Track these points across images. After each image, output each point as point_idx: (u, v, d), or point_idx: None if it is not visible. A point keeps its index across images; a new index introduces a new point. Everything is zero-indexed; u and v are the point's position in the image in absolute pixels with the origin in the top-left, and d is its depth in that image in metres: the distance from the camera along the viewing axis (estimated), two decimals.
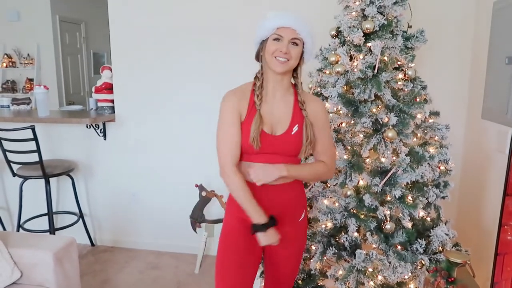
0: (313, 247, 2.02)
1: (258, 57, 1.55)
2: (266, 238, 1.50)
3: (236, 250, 1.61)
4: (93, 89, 3.32)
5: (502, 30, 2.19)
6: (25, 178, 3.04)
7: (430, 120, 2.13)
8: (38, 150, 2.85)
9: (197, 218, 2.98)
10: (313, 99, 1.64)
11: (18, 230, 3.12)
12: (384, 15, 1.99)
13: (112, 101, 3.26)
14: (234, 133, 1.50)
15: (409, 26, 2.12)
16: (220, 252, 1.65)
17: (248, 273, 1.64)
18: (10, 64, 5.63)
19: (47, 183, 3.01)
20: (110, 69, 3.23)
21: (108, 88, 3.24)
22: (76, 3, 6.03)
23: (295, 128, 1.53)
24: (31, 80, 5.62)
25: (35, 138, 2.81)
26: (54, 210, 3.31)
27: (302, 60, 1.55)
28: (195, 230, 3.02)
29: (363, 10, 2.01)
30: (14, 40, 5.62)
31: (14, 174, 3.02)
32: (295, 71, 1.57)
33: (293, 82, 1.61)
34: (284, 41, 1.46)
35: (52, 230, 3.03)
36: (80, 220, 3.31)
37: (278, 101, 1.55)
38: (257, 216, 1.49)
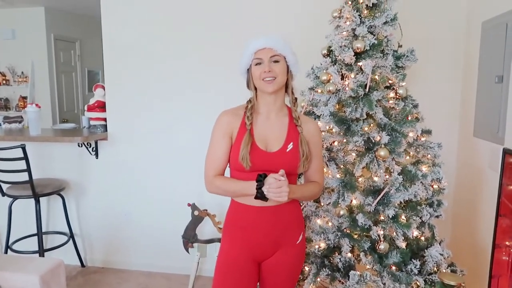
0: (307, 268, 1.99)
1: (249, 85, 1.61)
2: (270, 193, 1.43)
3: (236, 280, 1.58)
4: (85, 107, 3.30)
5: (491, 49, 2.22)
6: (15, 198, 2.99)
7: (422, 139, 2.13)
8: (28, 169, 2.81)
9: (189, 238, 2.93)
10: (309, 119, 1.69)
11: (6, 251, 3.05)
12: (374, 35, 2.02)
13: (105, 119, 3.25)
14: (218, 149, 1.56)
15: (400, 46, 2.14)
16: (219, 282, 1.61)
17: None
18: (4, 82, 5.63)
19: (37, 202, 2.97)
20: (103, 87, 3.22)
21: (101, 106, 3.23)
22: (72, 22, 6.07)
23: (290, 146, 1.55)
24: (24, 97, 5.61)
25: (25, 157, 2.78)
26: (44, 230, 3.25)
27: (290, 74, 1.60)
28: (187, 250, 2.97)
29: (353, 29, 2.03)
30: (9, 58, 5.63)
31: (3, 194, 2.97)
32: (287, 89, 1.61)
33: (287, 104, 1.65)
34: (265, 61, 1.52)
35: (41, 251, 2.97)
36: (71, 240, 3.25)
37: (272, 122, 1.59)
38: (252, 188, 1.46)
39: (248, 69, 1.59)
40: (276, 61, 1.53)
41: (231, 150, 1.56)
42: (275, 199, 1.43)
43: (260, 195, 1.44)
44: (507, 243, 1.63)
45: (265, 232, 1.55)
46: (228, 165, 1.61)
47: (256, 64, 1.54)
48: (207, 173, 1.59)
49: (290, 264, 1.63)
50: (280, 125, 1.59)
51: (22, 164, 2.79)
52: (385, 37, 2.05)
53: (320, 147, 1.68)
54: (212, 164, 1.58)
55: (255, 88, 1.59)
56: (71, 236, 3.25)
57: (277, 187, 1.41)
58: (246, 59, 1.56)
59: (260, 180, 1.44)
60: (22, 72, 5.64)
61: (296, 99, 1.64)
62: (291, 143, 1.55)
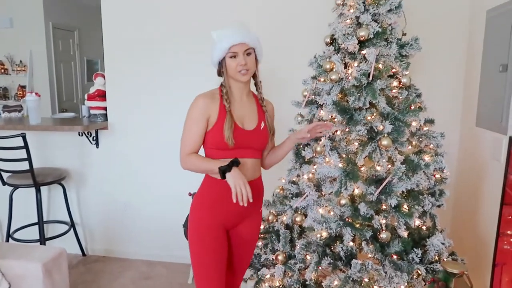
0: (308, 257, 1.99)
1: (220, 73, 1.75)
2: (233, 177, 1.59)
3: (211, 243, 1.73)
4: (85, 96, 3.28)
5: (495, 38, 2.20)
6: (16, 187, 2.99)
7: (425, 128, 2.11)
8: (28, 158, 2.80)
9: (188, 227, 2.93)
10: (268, 101, 1.89)
11: (7, 240, 3.06)
12: (378, 23, 1.99)
13: (105, 108, 3.23)
14: (195, 130, 1.68)
15: (404, 34, 2.11)
16: (198, 247, 1.74)
17: (223, 267, 1.77)
18: (2, 71, 5.59)
19: (38, 191, 2.96)
20: (103, 76, 3.20)
21: (101, 95, 3.21)
22: (70, 10, 6.01)
23: (262, 124, 1.77)
24: (23, 87, 5.58)
25: (25, 146, 2.77)
26: (45, 219, 3.25)
27: (257, 61, 1.76)
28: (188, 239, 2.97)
29: (357, 17, 2.01)
30: (7, 47, 5.58)
31: (4, 183, 2.97)
32: (253, 74, 1.78)
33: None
34: (240, 55, 1.65)
35: (42, 239, 2.97)
36: (71, 229, 3.26)
37: (245, 104, 1.77)
38: (220, 164, 1.62)
39: (220, 61, 1.70)
40: (248, 54, 1.67)
41: (212, 131, 1.68)
42: (234, 190, 1.57)
43: (223, 174, 1.60)
44: (508, 232, 1.64)
45: (235, 205, 1.62)
46: (203, 145, 1.75)
47: (231, 57, 1.66)
48: (183, 151, 1.71)
49: (255, 230, 1.89)
50: (251, 107, 1.78)
51: (22, 153, 2.78)
52: (389, 25, 2.02)
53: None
54: (189, 143, 1.70)
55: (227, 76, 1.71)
56: (72, 225, 3.26)
57: (240, 192, 1.57)
58: (220, 52, 1.66)
59: (230, 165, 1.60)
60: (21, 61, 5.59)
61: (260, 82, 1.81)
62: (263, 122, 1.77)
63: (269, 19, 2.84)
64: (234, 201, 1.58)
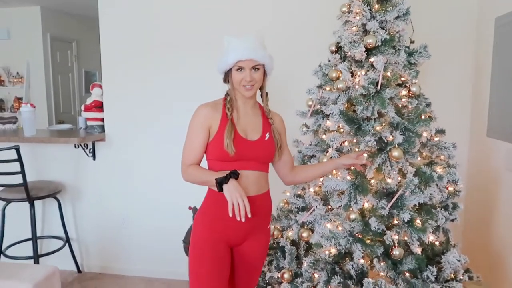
0: (316, 275, 1.88)
1: (226, 80, 1.68)
2: (230, 189, 1.49)
3: (210, 260, 1.63)
4: (82, 107, 3.20)
5: (505, 47, 2.13)
6: (8, 201, 2.88)
7: (436, 139, 2.03)
8: (22, 172, 2.70)
9: (190, 242, 2.82)
10: (275, 113, 1.80)
11: None
12: (386, 30, 1.93)
13: (102, 119, 3.14)
14: (196, 140, 1.63)
15: (412, 42, 2.05)
16: (196, 265, 1.65)
17: (223, 282, 1.66)
18: None
19: (32, 206, 2.85)
20: (101, 87, 3.12)
21: (98, 106, 3.12)
22: (68, 22, 5.96)
23: (267, 135, 1.68)
24: (20, 98, 5.49)
25: (19, 159, 2.67)
26: (39, 234, 3.13)
27: (265, 75, 1.67)
28: (188, 255, 2.86)
29: (364, 24, 1.94)
30: (4, 58, 5.52)
31: None
32: (261, 87, 1.70)
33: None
34: (246, 70, 1.58)
35: (36, 256, 2.85)
36: (67, 245, 3.14)
37: (249, 114, 1.69)
38: (218, 175, 1.54)
39: (227, 71, 1.63)
40: (256, 69, 1.59)
41: (213, 140, 1.61)
42: (230, 203, 1.48)
43: (219, 186, 1.51)
44: None
45: (238, 220, 1.52)
46: (205, 157, 1.67)
47: (237, 70, 1.59)
48: (183, 162, 1.65)
49: (262, 249, 1.75)
50: (255, 118, 1.70)
51: (16, 166, 2.68)
52: (397, 32, 1.95)
53: (286, 136, 1.82)
54: (189, 154, 1.64)
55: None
56: (67, 240, 3.14)
57: (237, 205, 1.47)
58: (225, 65, 1.60)
59: (227, 177, 1.51)
60: (18, 73, 5.52)
61: (267, 94, 1.72)
62: (267, 133, 1.68)
63: (266, 27, 2.79)
64: (230, 215, 1.48)
